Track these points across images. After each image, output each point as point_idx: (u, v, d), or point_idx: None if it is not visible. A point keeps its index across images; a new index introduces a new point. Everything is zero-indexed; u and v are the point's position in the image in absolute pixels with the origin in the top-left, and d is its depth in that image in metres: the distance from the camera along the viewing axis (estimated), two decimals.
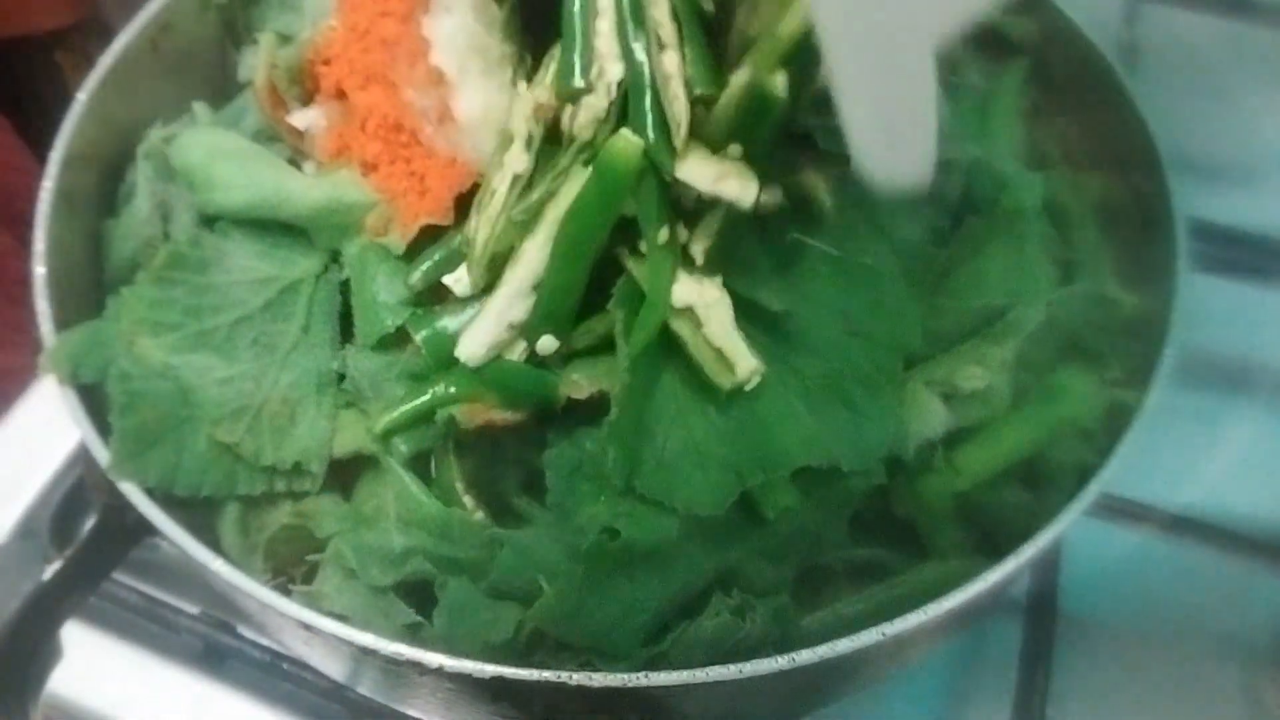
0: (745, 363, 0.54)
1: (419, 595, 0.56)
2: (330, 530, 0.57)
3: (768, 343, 0.56)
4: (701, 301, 0.54)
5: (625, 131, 0.53)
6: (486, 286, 0.57)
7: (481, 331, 0.56)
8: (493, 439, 0.59)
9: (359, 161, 0.63)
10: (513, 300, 0.56)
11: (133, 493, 0.55)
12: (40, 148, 0.67)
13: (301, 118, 0.65)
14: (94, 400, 0.59)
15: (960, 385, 0.59)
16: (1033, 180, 0.65)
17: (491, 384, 0.57)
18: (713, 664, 0.49)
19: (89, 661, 0.73)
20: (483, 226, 0.57)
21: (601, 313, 0.56)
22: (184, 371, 0.59)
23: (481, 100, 0.60)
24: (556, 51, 0.57)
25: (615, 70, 0.54)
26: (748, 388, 0.55)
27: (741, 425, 0.55)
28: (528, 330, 0.56)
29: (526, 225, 0.56)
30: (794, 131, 0.56)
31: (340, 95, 0.64)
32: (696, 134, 0.54)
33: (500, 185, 0.57)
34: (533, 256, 0.56)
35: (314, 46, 0.67)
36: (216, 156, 0.62)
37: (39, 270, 0.61)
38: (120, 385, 0.58)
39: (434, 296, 0.60)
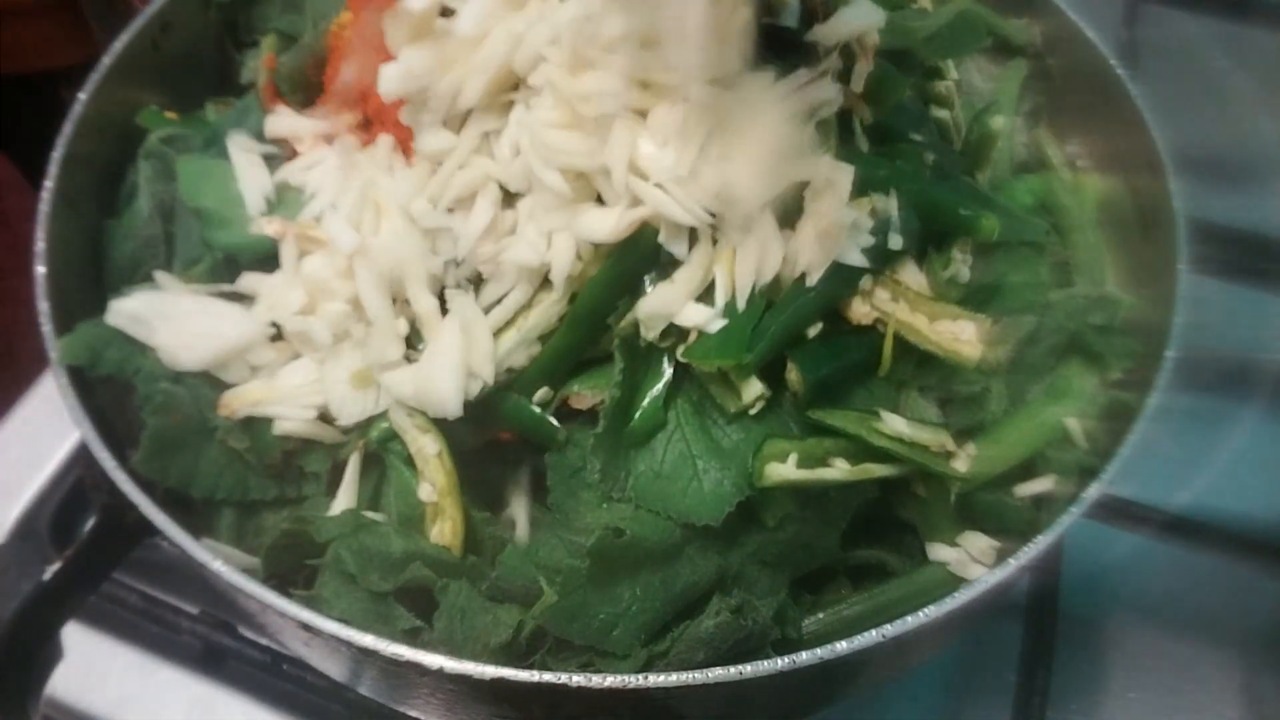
0: (751, 388, 0.54)
1: (419, 600, 0.56)
2: (330, 535, 0.57)
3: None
4: (709, 326, 0.55)
5: None
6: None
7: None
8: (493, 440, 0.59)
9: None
10: (519, 346, 0.56)
11: (133, 493, 0.55)
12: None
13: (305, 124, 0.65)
14: (94, 400, 0.59)
15: (957, 389, 0.59)
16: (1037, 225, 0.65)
17: None
18: (713, 664, 0.49)
19: (89, 661, 0.74)
20: None
21: (605, 328, 0.56)
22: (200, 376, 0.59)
23: None
24: None
25: None
26: (752, 412, 0.55)
27: (738, 442, 0.55)
28: (525, 382, 0.57)
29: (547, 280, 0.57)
30: None
31: (348, 94, 0.64)
32: None
33: None
34: (548, 309, 0.56)
35: (320, 46, 0.67)
36: (231, 202, 0.63)
37: (39, 270, 0.61)
38: (151, 384, 0.58)
39: None
